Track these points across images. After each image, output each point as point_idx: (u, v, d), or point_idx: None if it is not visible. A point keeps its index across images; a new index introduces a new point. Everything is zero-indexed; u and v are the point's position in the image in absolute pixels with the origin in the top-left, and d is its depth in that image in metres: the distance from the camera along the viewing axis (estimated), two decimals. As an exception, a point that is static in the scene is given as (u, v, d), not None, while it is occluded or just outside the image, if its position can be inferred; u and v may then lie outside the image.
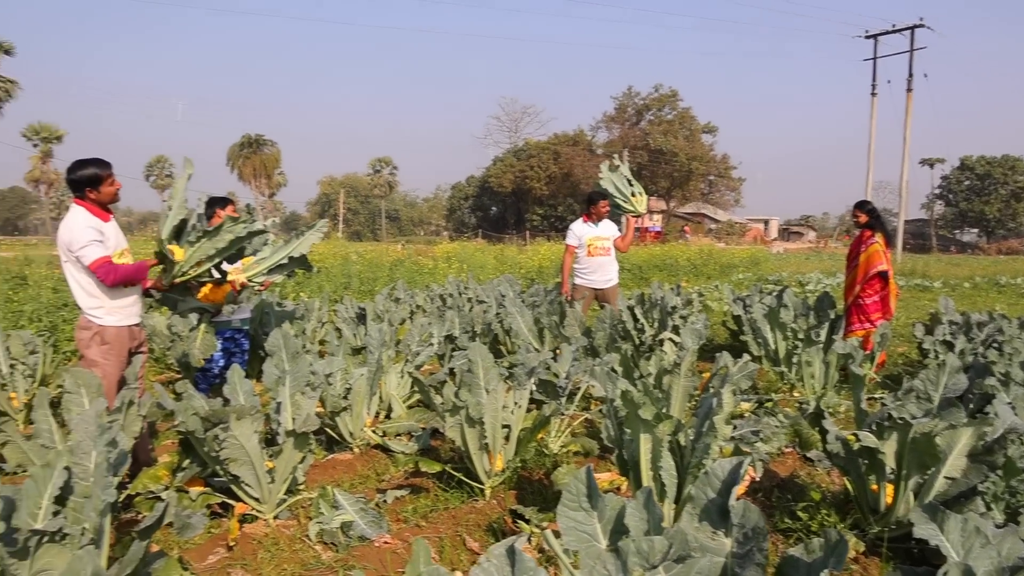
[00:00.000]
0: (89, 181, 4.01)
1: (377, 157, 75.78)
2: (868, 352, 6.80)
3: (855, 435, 3.39)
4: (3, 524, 2.23)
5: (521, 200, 59.60)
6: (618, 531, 2.03)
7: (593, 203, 7.49)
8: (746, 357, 3.97)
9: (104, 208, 4.11)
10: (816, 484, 4.26)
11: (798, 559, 1.91)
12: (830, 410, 5.70)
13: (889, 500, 3.45)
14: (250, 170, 59.76)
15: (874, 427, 3.33)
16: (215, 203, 5.42)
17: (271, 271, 4.99)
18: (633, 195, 7.33)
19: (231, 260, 4.70)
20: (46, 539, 2.10)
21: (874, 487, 3.52)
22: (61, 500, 2.45)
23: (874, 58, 32.04)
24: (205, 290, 4.93)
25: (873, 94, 31.66)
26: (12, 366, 5.82)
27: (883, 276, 6.92)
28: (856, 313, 7.07)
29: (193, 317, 6.74)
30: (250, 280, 4.91)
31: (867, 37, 32.39)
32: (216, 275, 4.65)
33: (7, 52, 40.62)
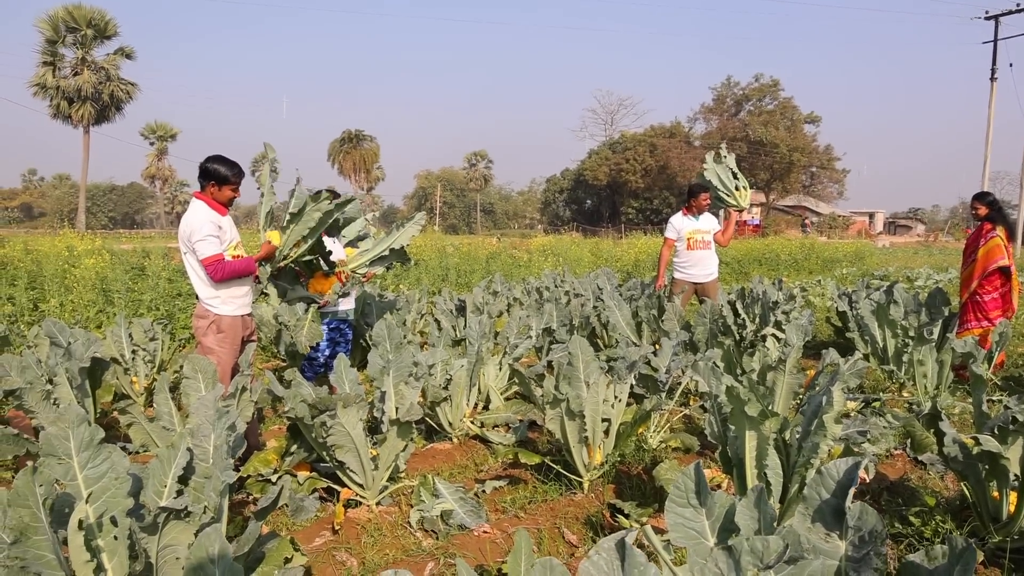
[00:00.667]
0: (216, 177, 4.22)
1: (473, 151, 76.75)
2: (986, 351, 6.45)
3: (975, 439, 3.22)
4: (132, 500, 2.36)
5: (616, 193, 59.16)
6: (726, 529, 1.99)
7: (693, 196, 7.36)
8: (857, 354, 3.82)
9: (220, 204, 4.31)
10: (929, 489, 4.08)
11: (919, 566, 1.83)
12: (945, 412, 5.44)
13: (1012, 508, 3.27)
14: (350, 165, 61.34)
15: (997, 431, 3.16)
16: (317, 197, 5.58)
17: (372, 263, 5.13)
18: (736, 189, 7.17)
19: (330, 234, 4.87)
20: (171, 516, 2.20)
21: (995, 494, 3.34)
22: (183, 480, 2.58)
23: (994, 40, 30.29)
24: (313, 281, 5.10)
25: (992, 78, 29.95)
26: (134, 352, 6.15)
27: (1004, 271, 6.53)
28: (973, 310, 6.69)
29: (300, 306, 6.97)
30: (353, 272, 5.06)
31: (987, 18, 30.63)
32: (324, 267, 4.81)
33: (128, 56, 42.84)
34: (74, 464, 2.38)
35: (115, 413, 4.50)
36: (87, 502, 2.32)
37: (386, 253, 5.23)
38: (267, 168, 4.60)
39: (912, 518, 3.61)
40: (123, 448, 4.42)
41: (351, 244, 5.61)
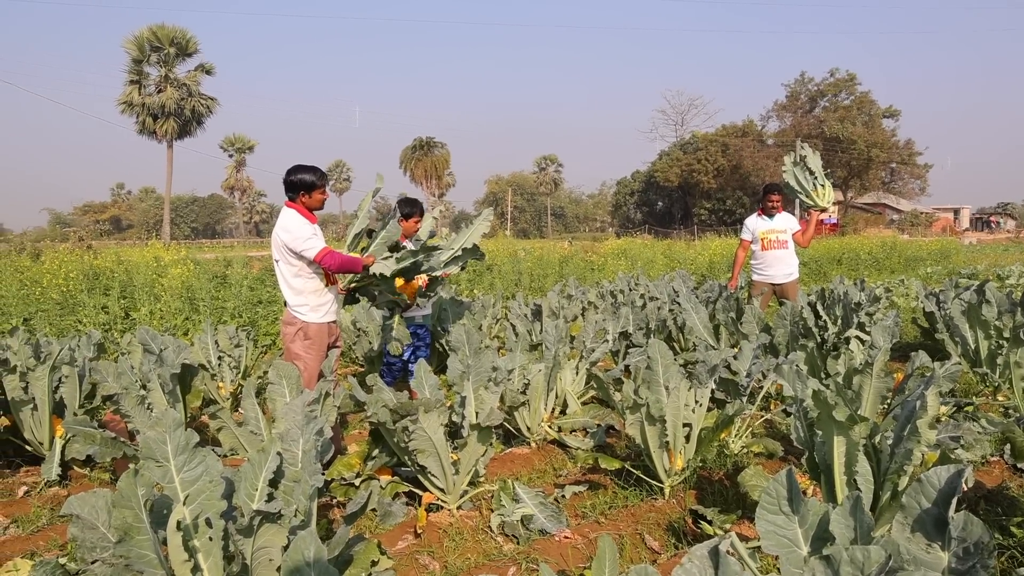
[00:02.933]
0: (304, 186, 4.35)
1: (543, 155, 76.88)
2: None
3: (1082, 445, 3.06)
4: (225, 502, 2.44)
5: (688, 194, 58.43)
6: (820, 538, 1.94)
7: (764, 196, 7.29)
8: (953, 358, 3.68)
9: (311, 211, 4.43)
10: (1031, 497, 3.89)
11: (1029, 579, 1.75)
12: (1045, 416, 5.19)
13: (1124, 518, 3.10)
14: (421, 172, 62.13)
15: (1106, 436, 3.00)
16: (405, 204, 5.68)
17: (447, 264, 5.22)
18: (815, 188, 7.00)
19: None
20: (265, 519, 2.27)
21: (1105, 503, 3.17)
22: (274, 483, 2.65)
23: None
24: (399, 283, 5.22)
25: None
26: (220, 358, 6.36)
27: None
28: None
29: (376, 312, 7.10)
30: (431, 275, 5.16)
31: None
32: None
33: (208, 72, 44.41)
34: (171, 467, 2.47)
35: (204, 417, 4.66)
36: (184, 504, 2.41)
37: (459, 253, 5.32)
38: (370, 195, 4.78)
39: (1014, 529, 3.45)
40: (213, 451, 4.57)
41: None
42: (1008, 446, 4.46)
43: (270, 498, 2.57)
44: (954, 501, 1.83)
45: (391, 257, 4.60)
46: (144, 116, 42.36)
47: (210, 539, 2.36)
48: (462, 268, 5.44)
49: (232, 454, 4.46)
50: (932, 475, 1.88)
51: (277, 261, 4.39)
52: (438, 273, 5.25)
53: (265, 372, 4.48)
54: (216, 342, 6.43)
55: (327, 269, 4.33)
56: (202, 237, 73.85)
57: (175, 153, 44.31)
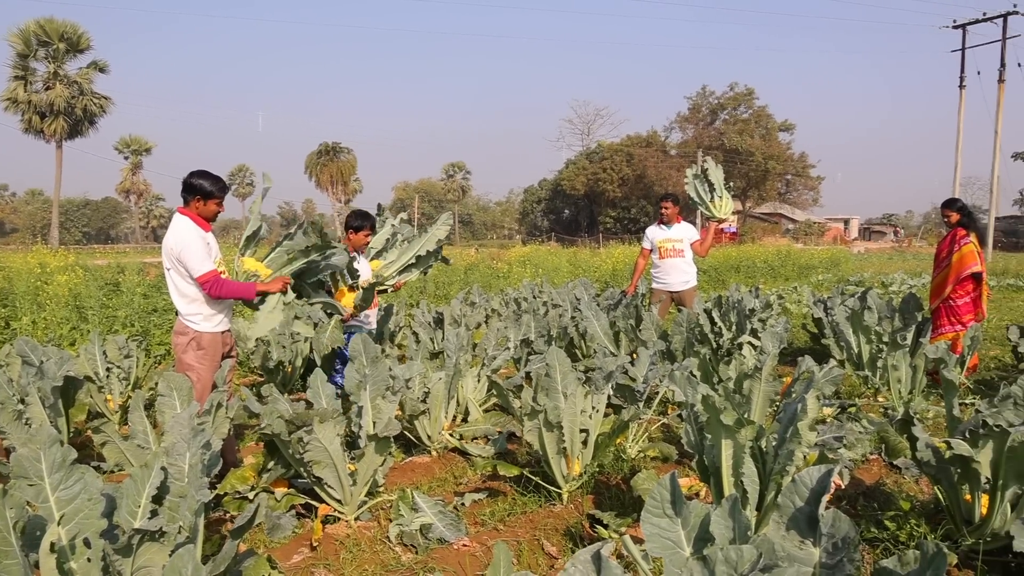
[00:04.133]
0: (202, 192, 4.21)
1: (451, 162, 76.77)
2: (958, 355, 6.54)
3: (947, 443, 3.26)
4: (105, 521, 2.34)
5: (594, 203, 59.38)
6: (702, 538, 2.00)
7: (659, 205, 7.55)
8: (832, 362, 3.86)
9: (205, 220, 4.30)
10: (904, 493, 4.12)
11: (892, 571, 1.84)
12: (918, 416, 5.50)
13: (984, 511, 3.30)
14: (327, 177, 61.10)
15: (968, 435, 3.20)
16: (356, 217, 5.69)
17: (402, 272, 5.17)
18: (714, 200, 7.23)
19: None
20: (146, 537, 2.18)
21: (967, 497, 3.38)
22: (158, 499, 2.55)
23: (963, 48, 30.67)
24: (337, 293, 5.15)
25: (961, 86, 30.34)
26: (108, 369, 6.09)
27: (976, 277, 6.63)
28: (946, 314, 6.77)
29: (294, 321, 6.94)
30: (382, 281, 5.10)
31: (955, 27, 31.01)
32: (348, 281, 4.90)
33: (101, 70, 42.53)
34: (46, 486, 2.36)
35: (89, 432, 4.45)
36: (59, 524, 2.30)
37: (413, 261, 5.29)
38: (260, 195, 4.66)
39: (887, 522, 3.64)
40: (97, 468, 4.37)
41: (377, 256, 5.65)
42: (884, 445, 4.71)
43: (154, 515, 2.48)
44: (824, 499, 1.92)
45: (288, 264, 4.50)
46: (30, 114, 40.20)
47: (88, 560, 2.26)
48: (424, 272, 5.41)
49: (119, 469, 4.29)
50: (805, 475, 1.97)
51: (168, 269, 4.23)
52: (391, 283, 5.21)
53: (157, 384, 4.31)
54: (104, 353, 6.16)
55: (209, 294, 4.17)
56: (95, 242, 70.52)
57: (65, 154, 42.33)
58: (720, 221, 7.40)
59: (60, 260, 11.95)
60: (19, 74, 39.98)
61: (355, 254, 5.46)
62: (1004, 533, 3.16)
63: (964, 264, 6.60)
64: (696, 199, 7.34)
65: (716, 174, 7.34)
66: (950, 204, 6.98)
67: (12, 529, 2.13)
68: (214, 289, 4.14)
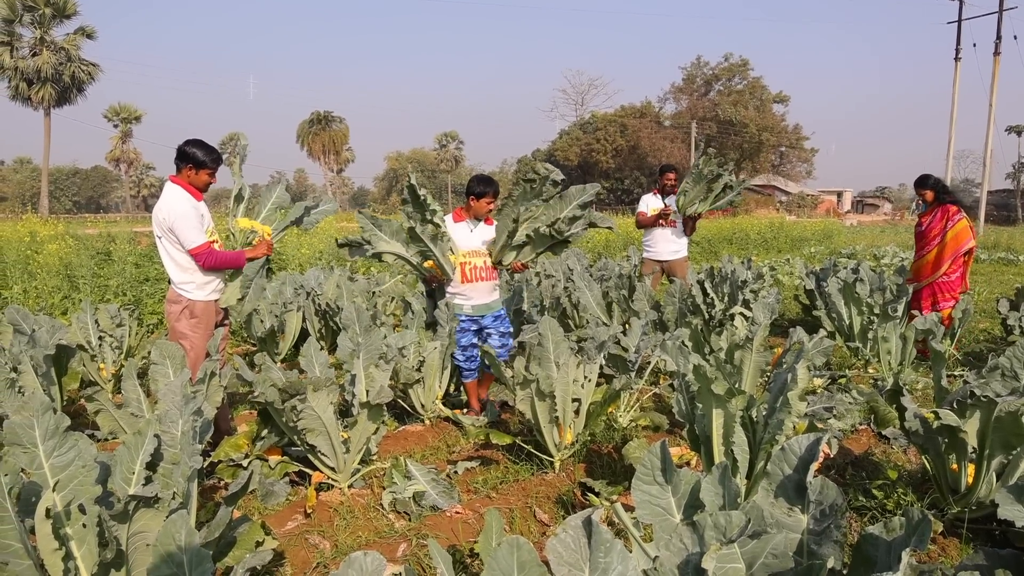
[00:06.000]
0: (194, 160, 4.19)
1: (443, 132, 76.28)
2: (947, 328, 6.58)
3: (935, 413, 3.29)
4: (100, 488, 2.35)
5: (587, 173, 59.13)
6: (692, 505, 2.02)
7: (660, 175, 7.46)
8: (822, 332, 3.88)
9: (196, 189, 4.28)
10: (892, 462, 4.17)
11: (878, 537, 1.88)
12: (907, 387, 5.55)
13: (970, 480, 3.35)
14: (319, 147, 60.74)
15: (955, 405, 3.23)
16: (478, 183, 5.13)
17: (572, 229, 4.93)
18: (693, 199, 7.02)
19: None
20: (141, 504, 2.20)
21: (954, 467, 3.42)
22: (152, 466, 2.57)
23: (959, 20, 30.49)
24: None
25: (956, 58, 30.19)
26: (100, 338, 6.08)
27: (967, 252, 6.63)
28: (939, 290, 6.73)
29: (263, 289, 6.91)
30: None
31: (951, -2, 30.82)
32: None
33: (89, 36, 41.90)
34: (40, 453, 2.36)
35: (82, 401, 4.46)
36: (54, 490, 2.31)
37: (573, 214, 4.95)
38: (239, 156, 4.63)
39: (875, 491, 3.69)
40: (91, 436, 4.38)
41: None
42: (873, 415, 4.75)
43: (148, 481, 2.50)
44: (813, 467, 1.94)
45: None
46: (17, 80, 39.64)
47: (83, 526, 2.28)
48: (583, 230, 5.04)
49: (112, 437, 4.29)
50: (794, 443, 1.99)
51: (159, 238, 4.22)
52: (508, 262, 5.03)
53: (150, 352, 4.32)
54: (96, 321, 6.15)
55: (202, 266, 4.21)
56: (85, 211, 69.93)
57: (53, 121, 41.81)
58: (664, 216, 7.22)
59: (50, 229, 11.89)
60: (4, 40, 39.37)
61: (469, 222, 5.09)
62: (989, 502, 3.21)
63: (960, 241, 6.56)
64: (688, 185, 7.05)
65: (718, 183, 7.06)
66: (923, 182, 6.86)
67: (8, 495, 2.14)
68: (207, 260, 4.16)
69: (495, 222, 5.04)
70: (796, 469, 1.97)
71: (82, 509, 2.29)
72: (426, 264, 4.96)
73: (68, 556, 2.24)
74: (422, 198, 4.69)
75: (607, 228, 5.27)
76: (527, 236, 4.93)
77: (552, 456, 4.19)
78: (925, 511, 1.82)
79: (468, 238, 5.04)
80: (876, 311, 6.34)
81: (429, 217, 4.75)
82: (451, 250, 4.94)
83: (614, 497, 3.68)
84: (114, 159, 57.88)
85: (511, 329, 5.29)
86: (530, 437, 4.35)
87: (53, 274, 9.33)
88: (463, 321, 5.09)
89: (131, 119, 56.58)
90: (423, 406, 5.06)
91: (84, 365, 5.62)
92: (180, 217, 4.10)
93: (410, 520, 3.61)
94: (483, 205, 5.03)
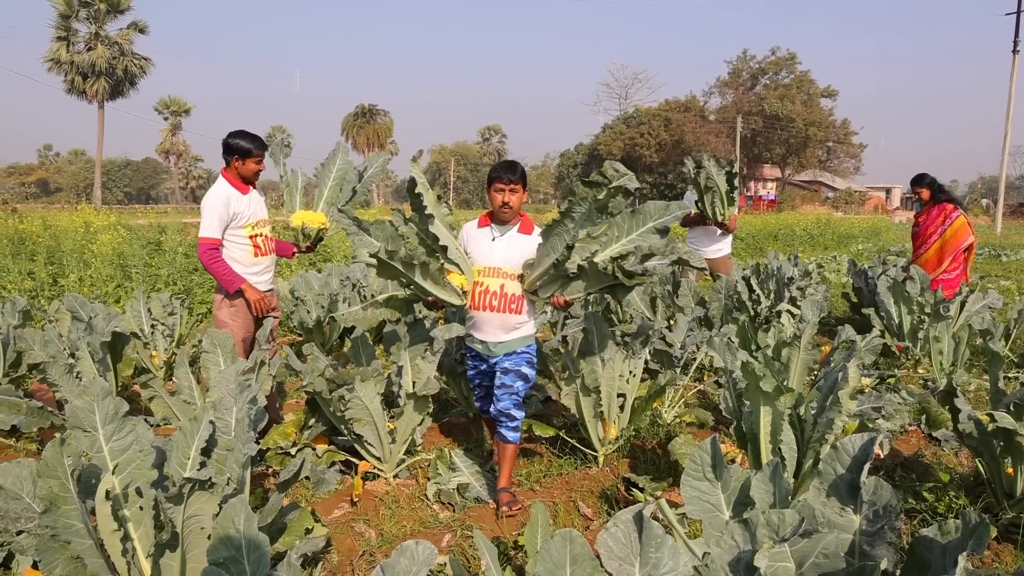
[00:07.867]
0: (239, 151, 4.29)
1: (486, 125, 76.50)
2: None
3: (990, 415, 3.22)
4: (156, 472, 2.41)
5: (631, 167, 58.20)
6: (742, 503, 2.01)
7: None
8: (875, 331, 3.82)
9: (244, 181, 4.36)
10: (943, 465, 4.09)
11: (933, 540, 1.84)
12: (961, 388, 5.44)
13: (1026, 484, 3.28)
14: (363, 140, 61.18)
15: (1013, 407, 3.16)
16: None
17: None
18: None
19: None
20: (196, 487, 2.25)
21: (1009, 471, 3.35)
22: (206, 452, 2.63)
23: (1017, 12, 29.60)
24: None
25: (1015, 51, 29.34)
26: (153, 326, 6.23)
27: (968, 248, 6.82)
28: (944, 287, 6.72)
29: (315, 280, 6.99)
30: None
31: (1011, -12, 29.95)
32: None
33: (141, 31, 42.77)
34: (100, 436, 2.43)
35: (136, 387, 4.57)
36: (113, 473, 2.37)
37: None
38: (280, 150, 4.69)
39: (926, 494, 3.63)
40: (144, 421, 4.49)
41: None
42: (924, 416, 4.66)
43: (202, 467, 2.55)
44: (866, 467, 1.92)
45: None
46: (73, 75, 40.64)
47: (140, 508, 2.34)
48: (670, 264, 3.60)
49: (165, 423, 4.39)
50: (847, 442, 1.97)
51: None
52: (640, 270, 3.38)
53: (200, 341, 4.41)
54: (149, 310, 6.29)
55: (199, 258, 4.34)
56: (135, 202, 71.38)
57: (106, 114, 42.77)
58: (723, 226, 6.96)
59: (103, 220, 12.18)
60: (61, 35, 40.38)
61: (493, 228, 3.71)
62: (1046, 507, 3.14)
63: (959, 238, 6.77)
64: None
65: (719, 179, 6.86)
66: (919, 181, 7.05)
67: (70, 476, 2.21)
68: (205, 256, 4.26)
69: (537, 235, 3.60)
70: (849, 468, 1.94)
71: (139, 492, 2.35)
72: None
73: (126, 537, 2.30)
74: (418, 194, 3.48)
75: (700, 269, 3.85)
76: (578, 267, 3.39)
77: (596, 450, 4.19)
78: (982, 514, 1.79)
79: (487, 250, 3.66)
80: (927, 310, 6.21)
81: (426, 224, 3.55)
82: (458, 266, 3.64)
83: (658, 493, 3.67)
84: (164, 151, 58.96)
85: (534, 359, 3.78)
86: (573, 431, 4.36)
87: (107, 263, 9.57)
88: (471, 355, 3.88)
89: (180, 112, 57.60)
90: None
91: (137, 352, 5.75)
92: (207, 206, 4.25)
93: (454, 511, 3.64)
94: None
